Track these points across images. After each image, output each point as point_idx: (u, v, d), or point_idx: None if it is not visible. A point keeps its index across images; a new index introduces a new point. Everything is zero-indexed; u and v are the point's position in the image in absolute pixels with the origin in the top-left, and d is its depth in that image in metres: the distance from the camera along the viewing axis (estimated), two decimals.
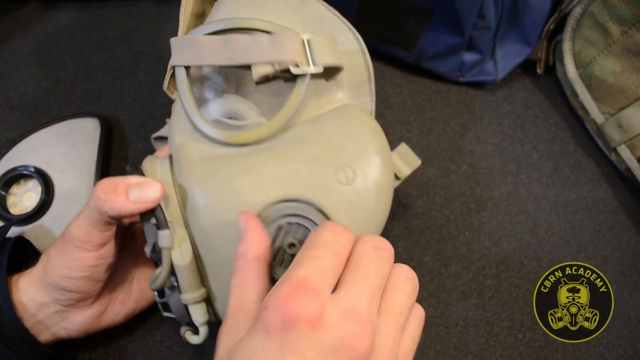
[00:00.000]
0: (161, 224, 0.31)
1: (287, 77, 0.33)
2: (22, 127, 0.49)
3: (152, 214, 0.31)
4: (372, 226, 0.33)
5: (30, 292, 0.35)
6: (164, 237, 0.31)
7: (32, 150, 0.44)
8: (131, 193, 0.31)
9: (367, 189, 0.32)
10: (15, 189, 0.44)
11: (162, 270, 0.32)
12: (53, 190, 0.43)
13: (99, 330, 0.37)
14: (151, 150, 0.48)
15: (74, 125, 0.46)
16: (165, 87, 0.36)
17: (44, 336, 0.35)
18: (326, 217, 0.31)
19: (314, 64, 0.33)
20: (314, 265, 0.25)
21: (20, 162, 0.44)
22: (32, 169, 0.43)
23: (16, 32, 0.53)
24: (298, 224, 0.31)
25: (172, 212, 0.32)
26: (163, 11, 0.54)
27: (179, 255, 0.32)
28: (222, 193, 0.31)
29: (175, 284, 0.33)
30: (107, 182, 0.32)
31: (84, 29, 0.53)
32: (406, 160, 0.38)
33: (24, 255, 0.39)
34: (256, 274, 0.28)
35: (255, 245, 0.28)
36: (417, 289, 0.28)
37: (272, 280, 0.31)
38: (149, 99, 0.50)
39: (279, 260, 0.31)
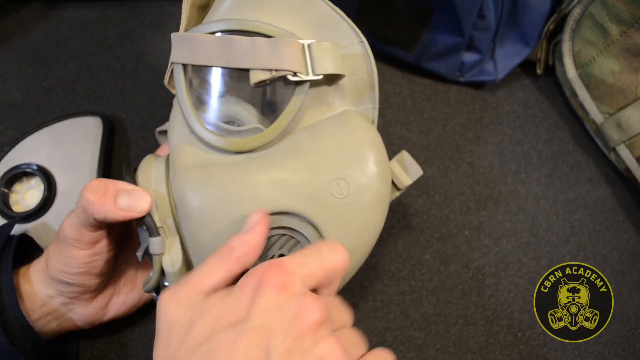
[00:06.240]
0: (152, 232, 0.31)
1: (287, 80, 0.32)
2: (25, 125, 0.49)
3: (142, 221, 0.31)
4: (364, 239, 0.33)
5: (37, 283, 0.35)
6: (154, 244, 0.31)
7: (34, 148, 0.45)
8: (120, 199, 0.31)
9: (360, 202, 0.32)
10: (17, 187, 0.44)
11: (153, 275, 0.32)
12: (55, 188, 0.43)
13: (104, 322, 0.38)
14: (153, 149, 0.48)
15: (76, 124, 0.46)
16: (165, 82, 0.36)
17: (51, 326, 0.36)
18: (318, 231, 0.31)
19: (313, 72, 0.31)
20: (298, 258, 0.28)
21: (23, 160, 0.44)
22: (35, 167, 0.43)
23: (19, 32, 0.53)
24: (290, 236, 0.31)
25: (164, 217, 0.32)
26: (164, 11, 0.54)
27: (169, 261, 0.32)
28: (215, 202, 0.31)
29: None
30: (97, 183, 0.31)
31: (86, 29, 0.53)
32: (407, 170, 0.36)
33: (29, 252, 0.39)
34: (228, 270, 0.27)
35: (251, 251, 0.28)
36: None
37: None
38: (151, 98, 0.50)
39: None
